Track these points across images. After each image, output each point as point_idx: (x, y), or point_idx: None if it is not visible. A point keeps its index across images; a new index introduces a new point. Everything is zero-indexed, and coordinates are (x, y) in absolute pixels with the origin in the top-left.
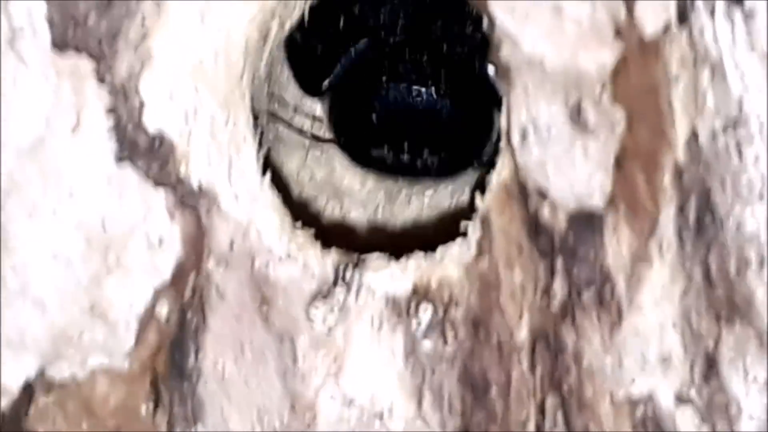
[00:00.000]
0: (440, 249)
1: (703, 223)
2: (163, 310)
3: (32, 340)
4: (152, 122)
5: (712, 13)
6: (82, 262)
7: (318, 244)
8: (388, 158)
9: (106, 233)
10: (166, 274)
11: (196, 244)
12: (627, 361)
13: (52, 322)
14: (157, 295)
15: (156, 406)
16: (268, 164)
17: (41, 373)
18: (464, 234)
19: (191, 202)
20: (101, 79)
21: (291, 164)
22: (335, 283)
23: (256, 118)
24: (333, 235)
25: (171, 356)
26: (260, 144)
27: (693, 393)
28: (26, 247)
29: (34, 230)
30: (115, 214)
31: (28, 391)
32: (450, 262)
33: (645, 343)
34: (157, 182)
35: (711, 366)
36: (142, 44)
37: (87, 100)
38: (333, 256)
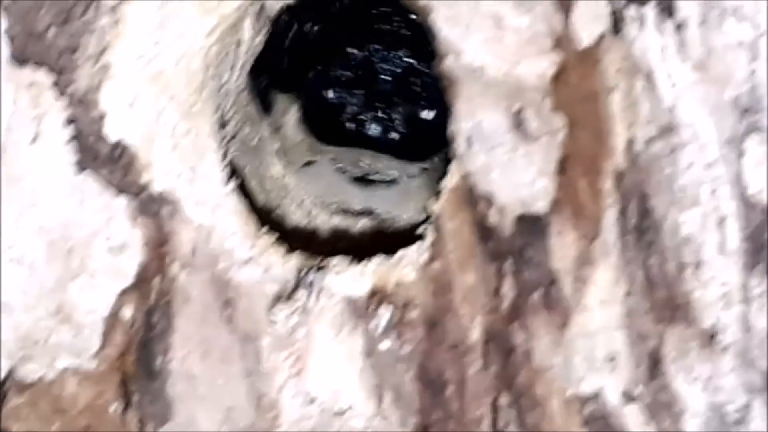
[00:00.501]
0: (399, 252)
1: (643, 226)
2: (127, 312)
3: (1, 342)
4: (113, 132)
5: (643, 24)
6: (46, 267)
7: (281, 248)
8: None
9: (68, 239)
10: (129, 277)
11: (159, 248)
12: (575, 360)
13: (19, 325)
14: (121, 298)
15: (126, 406)
16: (235, 171)
17: (11, 375)
18: (422, 238)
19: (153, 208)
20: (61, 92)
21: (262, 170)
22: (297, 285)
23: (224, 126)
24: (298, 239)
25: (139, 357)
26: (227, 152)
27: (639, 391)
28: None
29: None
30: (77, 221)
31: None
32: (407, 265)
33: (592, 343)
34: (119, 189)
35: (655, 365)
36: (101, 57)
37: (46, 112)
38: (295, 259)
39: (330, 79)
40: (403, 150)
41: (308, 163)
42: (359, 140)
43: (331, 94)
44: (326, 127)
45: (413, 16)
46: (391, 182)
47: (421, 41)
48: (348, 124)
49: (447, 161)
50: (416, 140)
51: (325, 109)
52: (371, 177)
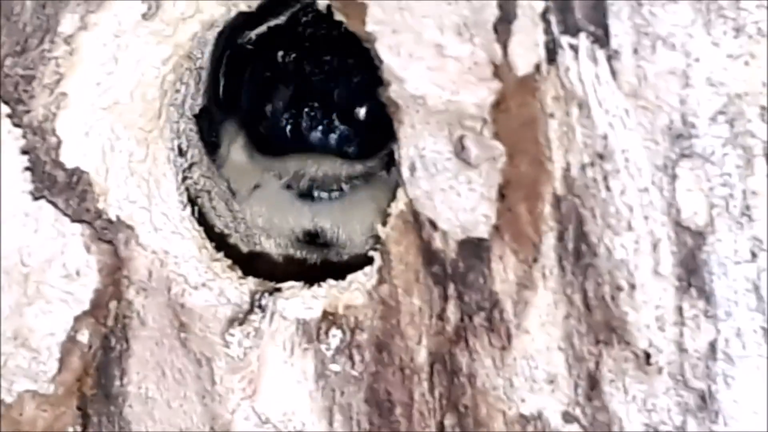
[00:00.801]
0: (349, 277)
1: (580, 250)
2: (84, 337)
3: None
4: (69, 159)
5: (577, 53)
6: (2, 293)
7: (235, 273)
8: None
9: (24, 266)
10: (84, 303)
11: (114, 273)
12: (517, 382)
13: None
14: (77, 323)
15: (84, 428)
16: (191, 198)
17: None
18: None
19: (108, 235)
20: (16, 123)
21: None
22: (251, 309)
23: (182, 153)
24: (252, 265)
25: (98, 380)
26: (186, 178)
27: (578, 412)
28: None
29: None
30: (33, 247)
31: None
32: (356, 289)
33: (533, 365)
34: (75, 216)
35: (593, 386)
36: (57, 87)
37: (2, 141)
38: (249, 284)
39: (264, 90)
40: (345, 148)
41: (256, 186)
42: (301, 146)
43: (269, 107)
44: (268, 139)
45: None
46: (337, 195)
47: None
48: (287, 129)
49: (389, 163)
50: (357, 137)
51: (265, 123)
52: (316, 193)
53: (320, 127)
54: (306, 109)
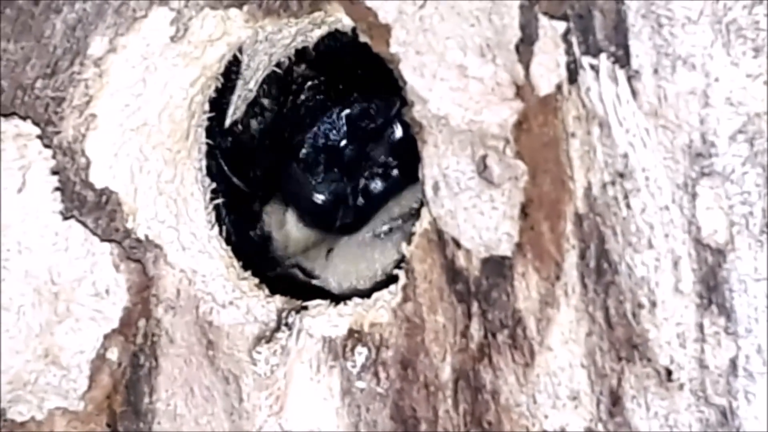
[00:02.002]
0: (374, 295)
1: (601, 268)
2: (113, 354)
3: None
4: (99, 179)
5: (597, 73)
6: (33, 312)
7: (262, 292)
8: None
9: (54, 284)
10: (114, 321)
11: (143, 292)
12: (540, 398)
13: (8, 369)
14: (106, 341)
15: None
16: (220, 216)
17: (2, 416)
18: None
19: (137, 254)
20: (47, 144)
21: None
22: (278, 327)
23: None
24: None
25: (127, 397)
26: (213, 197)
27: (601, 428)
28: None
29: None
30: (62, 267)
31: None
32: (381, 307)
33: (556, 381)
34: (104, 236)
35: (615, 403)
36: (86, 108)
37: (33, 162)
38: (276, 302)
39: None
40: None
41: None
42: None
43: (320, 197)
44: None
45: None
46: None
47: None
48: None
49: None
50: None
51: (315, 209)
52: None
53: (365, 188)
54: (347, 181)
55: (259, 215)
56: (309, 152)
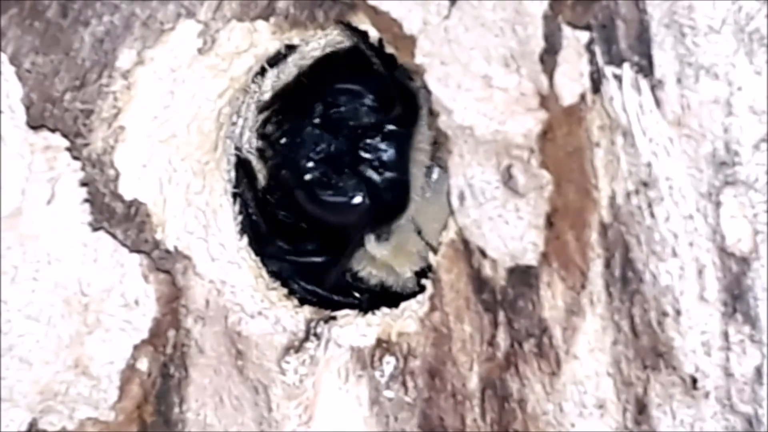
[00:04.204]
0: (402, 304)
1: (626, 277)
2: (143, 365)
3: (21, 395)
4: (127, 191)
5: (621, 83)
6: (62, 323)
7: (290, 302)
8: None
9: (84, 295)
10: (143, 331)
11: (172, 303)
12: (567, 407)
13: (38, 379)
14: (136, 351)
15: None
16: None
17: (34, 426)
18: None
19: (166, 265)
20: (76, 156)
21: None
22: (306, 337)
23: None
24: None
25: (157, 407)
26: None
27: None
28: (10, 310)
29: (17, 293)
30: (92, 277)
31: None
32: (408, 317)
33: (582, 390)
34: (133, 247)
35: (642, 411)
36: (115, 120)
37: (61, 174)
38: (305, 312)
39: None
40: None
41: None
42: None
43: (356, 198)
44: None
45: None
46: None
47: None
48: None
49: None
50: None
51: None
52: None
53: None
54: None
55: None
56: (315, 175)
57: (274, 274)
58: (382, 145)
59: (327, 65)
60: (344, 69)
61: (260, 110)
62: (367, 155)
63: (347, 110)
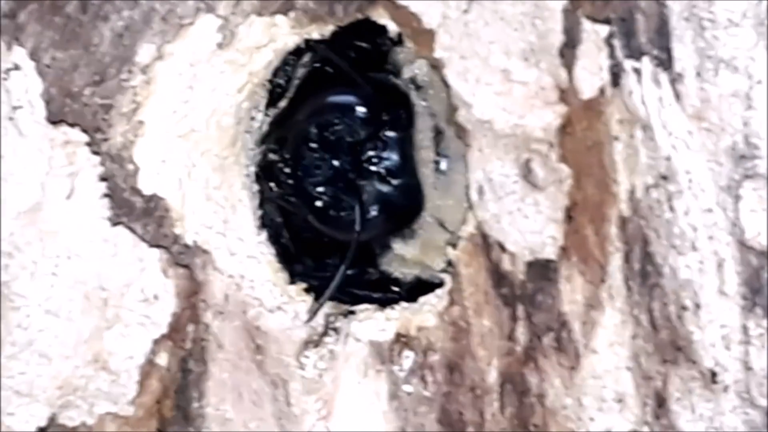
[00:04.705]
0: (420, 299)
1: (646, 271)
2: (162, 359)
3: (41, 390)
4: (147, 186)
5: (640, 77)
6: (82, 318)
7: (310, 297)
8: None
9: (103, 290)
10: (162, 326)
11: (191, 297)
12: (586, 401)
13: (58, 374)
14: (155, 346)
15: None
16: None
17: (54, 421)
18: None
19: (185, 259)
20: (95, 151)
21: None
22: (325, 332)
23: (259, 177)
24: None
25: (176, 402)
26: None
27: (646, 430)
28: (30, 305)
29: (36, 289)
30: (111, 272)
31: None
32: (428, 311)
33: (601, 384)
34: (152, 242)
35: (661, 405)
36: (134, 115)
37: (80, 169)
38: (324, 307)
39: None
40: None
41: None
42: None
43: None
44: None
45: None
46: None
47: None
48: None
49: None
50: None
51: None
52: None
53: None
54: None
55: None
56: (324, 200)
57: (310, 290)
58: (384, 154)
59: (313, 84)
60: (330, 83)
61: (260, 143)
62: (371, 167)
63: (342, 127)
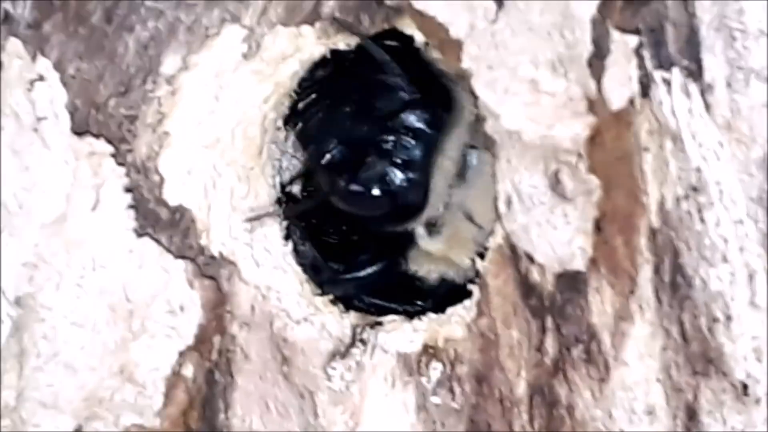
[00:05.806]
0: (448, 310)
1: (676, 282)
2: (188, 371)
3: (66, 402)
4: (172, 197)
5: (670, 87)
6: (107, 328)
7: (336, 308)
8: None
9: (129, 301)
10: (188, 338)
11: (217, 308)
12: (616, 413)
13: (83, 385)
14: (181, 358)
15: None
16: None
17: None
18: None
19: (211, 271)
20: (120, 162)
21: None
22: (353, 343)
23: (283, 187)
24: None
25: (203, 414)
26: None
27: None
28: (55, 316)
29: (62, 300)
30: (137, 284)
31: None
32: (456, 322)
33: (632, 396)
34: (178, 253)
35: (692, 417)
36: (159, 126)
37: (106, 180)
38: (351, 318)
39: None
40: None
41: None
42: None
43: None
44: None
45: None
46: None
47: None
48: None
49: None
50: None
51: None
52: None
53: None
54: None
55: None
56: (334, 155)
57: (336, 301)
58: (411, 143)
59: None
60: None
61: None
62: (392, 149)
63: (381, 102)
